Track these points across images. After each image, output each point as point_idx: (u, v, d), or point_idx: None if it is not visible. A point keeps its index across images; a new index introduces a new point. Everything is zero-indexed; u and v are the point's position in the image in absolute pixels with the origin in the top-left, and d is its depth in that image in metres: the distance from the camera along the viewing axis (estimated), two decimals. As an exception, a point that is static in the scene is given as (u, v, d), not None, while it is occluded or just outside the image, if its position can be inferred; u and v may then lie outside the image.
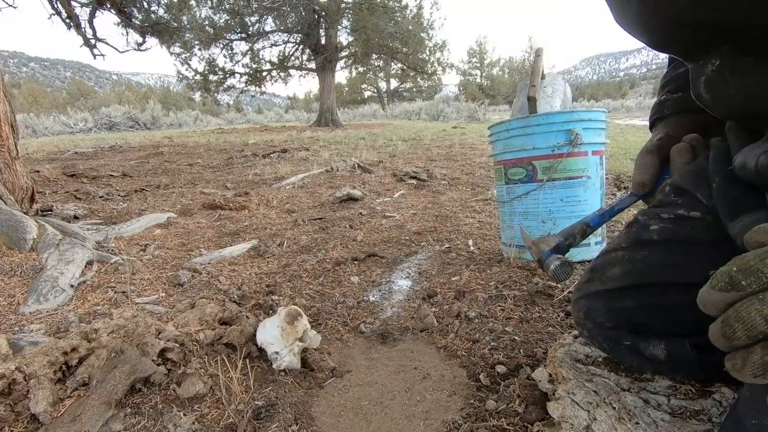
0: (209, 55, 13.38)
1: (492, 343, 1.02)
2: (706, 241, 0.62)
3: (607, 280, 0.69)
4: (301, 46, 14.65)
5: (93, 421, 0.72)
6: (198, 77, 13.77)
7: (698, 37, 0.48)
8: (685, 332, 0.62)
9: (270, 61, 14.71)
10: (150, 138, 9.74)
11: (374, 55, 14.81)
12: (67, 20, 6.54)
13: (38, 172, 4.07)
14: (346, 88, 39.37)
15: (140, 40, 8.22)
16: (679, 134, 0.78)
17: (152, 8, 8.62)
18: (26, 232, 1.67)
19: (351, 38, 13.95)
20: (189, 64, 13.37)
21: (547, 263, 0.83)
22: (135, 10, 8.12)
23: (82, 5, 6.77)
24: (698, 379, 0.67)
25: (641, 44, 0.57)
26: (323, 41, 13.91)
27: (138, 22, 8.09)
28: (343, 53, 14.78)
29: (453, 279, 1.49)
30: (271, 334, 0.94)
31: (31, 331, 1.11)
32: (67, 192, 3.33)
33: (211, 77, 13.88)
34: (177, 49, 12.23)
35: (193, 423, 0.75)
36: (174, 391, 0.82)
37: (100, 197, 3.20)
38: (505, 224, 1.67)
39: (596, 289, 0.71)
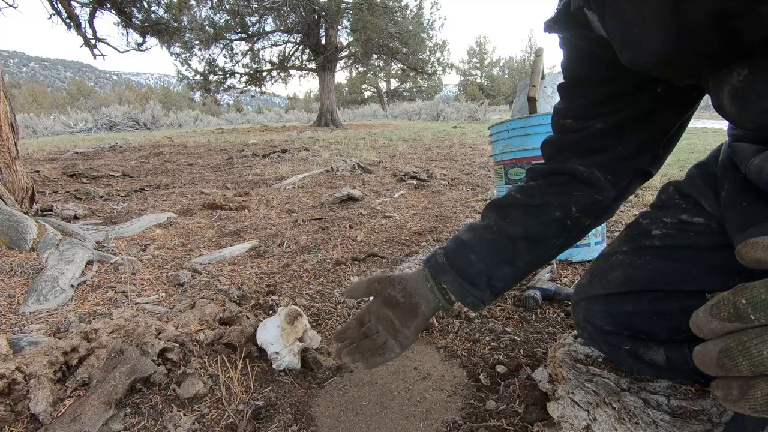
0: (209, 55, 13.42)
1: (492, 343, 1.02)
2: (709, 249, 0.61)
3: (608, 284, 0.69)
4: (301, 46, 14.66)
5: (93, 421, 0.72)
6: (198, 77, 13.79)
7: (732, 41, 0.43)
8: (685, 338, 0.61)
9: (270, 61, 14.73)
10: (150, 138, 9.74)
11: (374, 55, 14.83)
12: (67, 20, 6.54)
13: (38, 172, 4.07)
14: (346, 88, 39.38)
15: (140, 40, 8.22)
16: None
17: (152, 8, 8.62)
18: (26, 232, 1.67)
19: (351, 38, 13.96)
20: (189, 64, 13.39)
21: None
22: (135, 10, 8.12)
23: (82, 5, 6.76)
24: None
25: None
26: (323, 41, 13.92)
27: (138, 22, 8.09)
28: (343, 53, 14.79)
29: (453, 279, 1.49)
30: (271, 334, 0.94)
31: (31, 331, 1.11)
32: (67, 192, 3.33)
33: (211, 77, 13.90)
34: (177, 49, 12.25)
35: (193, 423, 0.75)
36: (174, 391, 0.82)
37: (100, 197, 3.20)
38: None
39: (596, 293, 0.70)
